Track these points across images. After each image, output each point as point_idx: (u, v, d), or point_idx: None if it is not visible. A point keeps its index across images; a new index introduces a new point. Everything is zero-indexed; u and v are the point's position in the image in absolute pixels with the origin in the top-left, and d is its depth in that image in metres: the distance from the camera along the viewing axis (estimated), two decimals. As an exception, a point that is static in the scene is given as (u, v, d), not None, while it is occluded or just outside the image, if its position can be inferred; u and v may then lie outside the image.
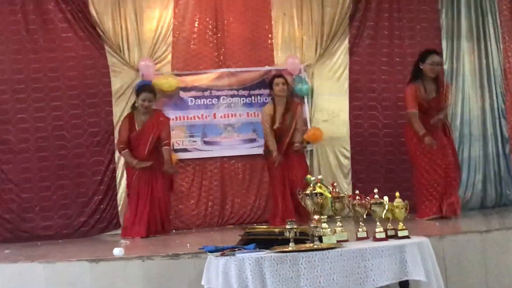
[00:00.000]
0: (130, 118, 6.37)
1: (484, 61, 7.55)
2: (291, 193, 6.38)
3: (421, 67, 6.14)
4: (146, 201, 6.13)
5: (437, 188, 6.03)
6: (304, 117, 6.97)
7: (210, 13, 7.25)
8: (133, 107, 6.44)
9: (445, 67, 7.40)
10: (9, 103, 6.65)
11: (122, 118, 6.64)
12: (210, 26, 7.27)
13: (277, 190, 6.53)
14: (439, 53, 6.25)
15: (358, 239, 3.71)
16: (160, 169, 6.22)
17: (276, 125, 6.54)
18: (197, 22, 7.23)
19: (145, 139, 6.23)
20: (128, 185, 6.37)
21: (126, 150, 6.26)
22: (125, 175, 6.65)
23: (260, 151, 6.93)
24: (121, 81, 6.92)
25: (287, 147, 6.57)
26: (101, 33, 6.88)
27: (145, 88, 6.42)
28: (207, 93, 7.19)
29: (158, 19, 7.10)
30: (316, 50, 7.39)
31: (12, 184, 6.58)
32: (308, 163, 7.08)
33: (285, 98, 6.63)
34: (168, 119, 6.54)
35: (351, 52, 7.38)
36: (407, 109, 6.22)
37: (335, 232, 3.58)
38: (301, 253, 3.23)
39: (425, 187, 6.07)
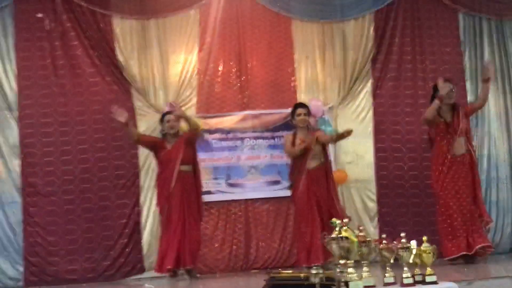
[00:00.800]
0: (161, 140, 6.34)
1: (509, 102, 7.51)
2: (321, 221, 6.12)
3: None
4: (176, 230, 6.01)
5: (463, 227, 5.90)
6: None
7: (233, 57, 7.35)
8: (163, 135, 6.41)
9: (470, 108, 7.38)
10: (36, 146, 6.76)
11: (146, 161, 6.79)
12: (233, 70, 7.36)
13: (303, 223, 6.19)
14: (451, 80, 6.22)
15: (385, 284, 3.64)
16: (192, 197, 6.17)
17: (298, 143, 6.29)
18: (221, 66, 7.33)
19: (174, 157, 6.14)
20: (161, 213, 6.25)
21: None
22: (150, 219, 6.67)
23: (284, 193, 6.89)
24: (146, 124, 7.00)
25: (311, 171, 6.29)
26: (127, 78, 7.01)
27: (164, 113, 6.49)
28: (231, 135, 7.24)
29: (183, 64, 7.21)
30: (339, 92, 7.41)
31: (38, 227, 6.64)
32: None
33: (306, 128, 6.46)
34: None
35: (375, 94, 7.40)
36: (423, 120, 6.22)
37: (361, 277, 3.52)
38: (327, 299, 3.18)
39: (450, 224, 5.93)
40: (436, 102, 5.98)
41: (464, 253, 5.84)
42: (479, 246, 5.83)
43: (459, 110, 6.10)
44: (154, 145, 6.32)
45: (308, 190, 6.24)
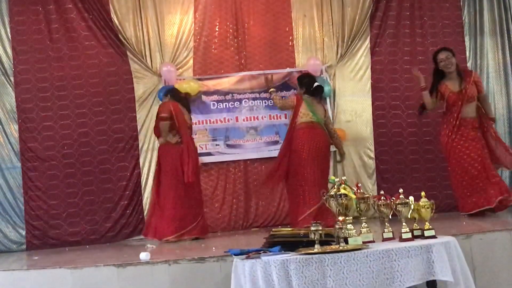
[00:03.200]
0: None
1: (508, 57, 7.45)
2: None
3: (439, 68, 6.09)
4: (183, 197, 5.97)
5: (477, 182, 5.87)
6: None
7: (230, 17, 7.28)
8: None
9: (469, 64, 7.36)
10: (34, 111, 6.75)
11: (145, 124, 6.86)
12: (230, 30, 7.29)
13: (308, 184, 6.03)
14: (448, 48, 6.17)
15: (384, 239, 3.68)
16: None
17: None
18: (217, 27, 7.26)
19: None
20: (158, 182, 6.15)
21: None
22: (149, 181, 6.70)
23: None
24: (143, 87, 6.99)
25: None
26: (123, 40, 6.96)
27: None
28: (229, 97, 7.22)
29: (179, 25, 7.15)
30: (337, 51, 7.37)
31: (39, 191, 6.68)
32: (331, 163, 7.06)
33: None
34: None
35: (373, 51, 7.35)
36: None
37: (360, 233, 3.56)
38: (326, 254, 3.21)
39: (463, 182, 5.92)
40: (424, 93, 6.03)
41: (485, 208, 5.81)
42: (498, 199, 5.78)
43: (466, 77, 6.03)
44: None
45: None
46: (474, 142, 5.94)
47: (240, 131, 7.22)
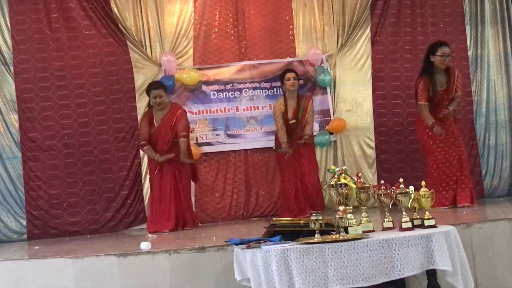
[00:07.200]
0: (149, 114, 6.40)
1: (509, 46, 7.42)
2: (303, 187, 6.45)
3: (431, 59, 6.05)
4: (170, 195, 6.14)
5: (452, 179, 5.98)
6: (315, 110, 6.89)
7: (230, 6, 7.26)
8: (149, 105, 6.47)
9: (469, 53, 7.34)
10: (34, 101, 6.74)
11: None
12: (230, 19, 7.27)
13: (287, 185, 6.51)
14: (448, 45, 6.18)
15: (384, 229, 3.69)
16: (181, 163, 6.22)
17: (292, 121, 6.50)
18: (217, 16, 7.24)
19: (163, 133, 6.24)
20: (151, 181, 6.41)
21: (148, 146, 6.27)
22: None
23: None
24: (144, 76, 6.97)
25: (297, 142, 6.51)
26: (123, 30, 6.93)
27: (152, 85, 6.40)
28: (229, 86, 7.20)
29: (179, 14, 7.13)
30: (337, 40, 7.35)
31: (39, 181, 6.68)
32: (331, 153, 7.16)
33: (296, 92, 6.61)
34: (185, 111, 6.52)
35: (373, 41, 7.32)
36: (417, 101, 6.13)
37: (360, 222, 3.57)
38: (327, 244, 3.23)
39: (440, 179, 6.00)
40: (429, 120, 5.98)
41: (448, 207, 5.92)
42: (461, 205, 5.88)
43: (454, 77, 6.07)
44: (149, 128, 6.31)
45: (293, 161, 6.48)
46: (454, 145, 6.03)
47: (240, 120, 7.21)
